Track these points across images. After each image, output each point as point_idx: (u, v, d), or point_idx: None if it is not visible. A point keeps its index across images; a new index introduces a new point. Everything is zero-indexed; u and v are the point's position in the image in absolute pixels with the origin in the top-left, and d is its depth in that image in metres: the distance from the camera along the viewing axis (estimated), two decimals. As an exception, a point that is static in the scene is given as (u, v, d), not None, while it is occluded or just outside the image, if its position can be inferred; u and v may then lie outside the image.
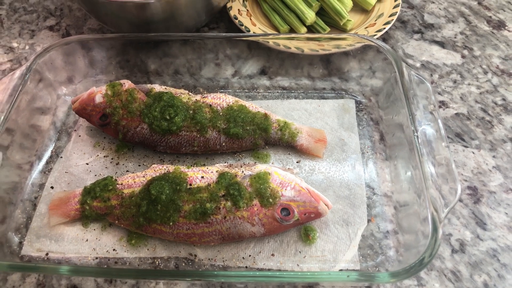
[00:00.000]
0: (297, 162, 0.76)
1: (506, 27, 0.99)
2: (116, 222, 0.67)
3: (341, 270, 0.63)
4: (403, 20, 1.02)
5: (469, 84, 0.88)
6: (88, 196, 0.67)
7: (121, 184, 0.68)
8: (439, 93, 0.87)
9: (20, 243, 0.67)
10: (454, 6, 1.05)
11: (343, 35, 0.84)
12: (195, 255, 0.65)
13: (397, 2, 0.96)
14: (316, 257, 0.65)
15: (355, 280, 0.56)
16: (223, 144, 0.75)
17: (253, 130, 0.75)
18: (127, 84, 0.77)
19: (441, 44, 0.96)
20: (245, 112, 0.75)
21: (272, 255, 0.65)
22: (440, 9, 1.04)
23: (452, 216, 0.70)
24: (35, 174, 0.75)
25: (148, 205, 0.64)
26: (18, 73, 0.75)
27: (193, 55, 0.88)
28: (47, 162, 0.77)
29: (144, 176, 0.68)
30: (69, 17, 1.07)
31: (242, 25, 0.93)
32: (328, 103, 0.84)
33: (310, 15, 0.92)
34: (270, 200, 0.63)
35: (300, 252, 0.65)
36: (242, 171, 0.67)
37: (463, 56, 0.94)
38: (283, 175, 0.66)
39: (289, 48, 0.85)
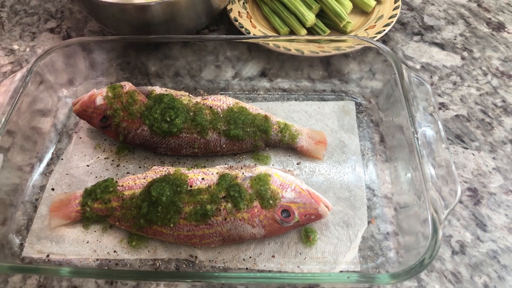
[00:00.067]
0: (297, 164, 0.76)
1: (506, 29, 0.99)
2: (117, 223, 0.67)
3: (341, 271, 0.64)
4: (403, 22, 1.02)
5: (469, 86, 0.88)
6: (89, 198, 0.67)
7: (122, 186, 0.68)
8: (439, 95, 0.87)
9: (21, 245, 0.67)
10: (453, 8, 1.05)
11: (343, 37, 0.85)
12: (196, 257, 0.65)
13: (396, 4, 0.96)
14: (316, 258, 0.65)
15: (356, 281, 0.56)
16: (224, 146, 0.75)
17: (254, 132, 0.75)
18: (127, 86, 0.77)
19: (441, 46, 0.96)
20: (245, 114, 0.76)
21: (273, 256, 0.65)
22: (439, 11, 1.05)
23: (452, 218, 0.70)
24: (36, 176, 0.75)
25: (149, 206, 0.64)
26: (19, 75, 0.76)
27: (194, 57, 0.88)
28: (48, 164, 0.77)
29: (144, 178, 0.68)
30: (69, 19, 1.07)
31: (242, 27, 0.94)
32: (328, 105, 0.84)
33: (310, 17, 0.92)
34: (271, 201, 0.63)
35: (300, 253, 0.65)
36: (243, 173, 0.67)
37: (462, 58, 0.94)
38: (283, 176, 0.66)
39: (289, 50, 0.85)
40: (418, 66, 0.93)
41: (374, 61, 0.82)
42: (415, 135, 0.67)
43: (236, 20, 0.95)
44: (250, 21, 0.96)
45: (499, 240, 0.68)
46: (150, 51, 0.89)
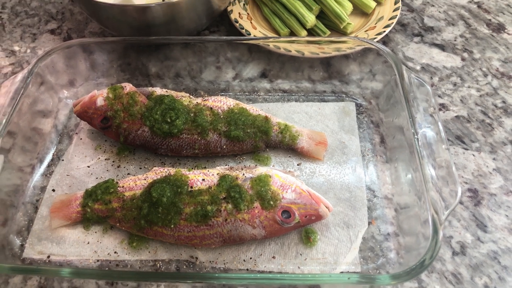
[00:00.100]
0: (297, 165, 0.76)
1: (506, 30, 0.99)
2: (118, 224, 0.67)
3: (342, 272, 0.64)
4: (403, 23, 1.03)
5: (469, 87, 0.88)
6: (90, 199, 0.68)
7: (123, 186, 0.68)
8: (439, 96, 0.87)
9: (22, 246, 0.67)
10: (453, 9, 1.06)
11: (344, 38, 0.85)
12: (196, 258, 0.65)
13: (397, 5, 0.96)
14: (317, 259, 0.65)
15: (356, 282, 0.56)
16: (224, 146, 0.75)
17: (254, 133, 0.75)
18: (128, 87, 0.77)
19: (441, 47, 0.97)
20: (245, 115, 0.76)
21: (273, 257, 0.65)
22: (440, 12, 1.05)
23: (453, 219, 0.70)
24: (36, 177, 0.75)
25: (149, 207, 0.64)
26: (20, 76, 0.76)
27: (194, 58, 0.88)
28: (49, 165, 0.77)
29: (145, 179, 0.68)
30: (70, 20, 1.07)
31: (243, 28, 0.94)
32: (328, 106, 0.84)
33: (310, 19, 0.93)
34: (271, 202, 0.63)
35: (301, 254, 0.65)
36: (243, 174, 0.67)
37: (463, 59, 0.94)
38: (283, 177, 0.66)
39: (290, 51, 0.85)
40: (418, 67, 0.93)
41: (374, 62, 0.82)
42: (416, 136, 0.67)
43: (237, 21, 0.95)
44: (251, 22, 0.96)
45: (499, 241, 0.68)
46: (151, 52, 0.90)
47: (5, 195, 0.70)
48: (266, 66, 0.90)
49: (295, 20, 0.94)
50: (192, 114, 0.75)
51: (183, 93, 0.80)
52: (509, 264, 0.65)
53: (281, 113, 0.83)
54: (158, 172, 0.69)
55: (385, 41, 0.98)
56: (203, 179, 0.67)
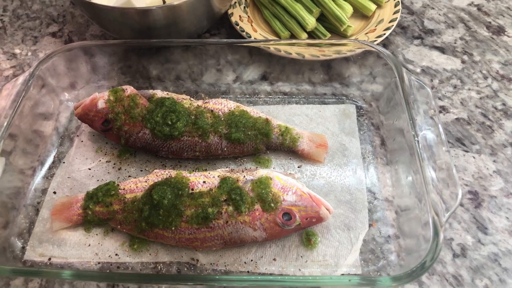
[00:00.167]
0: (298, 167, 0.76)
1: (506, 33, 1.00)
2: (119, 227, 0.67)
3: (342, 274, 0.64)
4: (403, 25, 1.03)
5: (469, 89, 0.89)
6: (91, 201, 0.68)
7: (123, 189, 0.68)
8: (439, 98, 0.87)
9: (23, 248, 0.67)
10: (453, 12, 1.06)
11: (344, 41, 0.85)
12: (197, 260, 0.66)
13: (397, 8, 0.96)
14: (317, 261, 0.65)
15: (357, 284, 0.56)
16: (225, 149, 0.75)
17: (255, 135, 0.75)
18: (129, 89, 0.77)
19: (441, 50, 0.97)
20: (246, 117, 0.76)
21: (274, 259, 0.65)
22: (439, 15, 1.05)
23: (453, 221, 0.70)
24: (37, 179, 0.76)
25: (150, 210, 0.64)
26: (21, 79, 0.76)
27: (195, 61, 0.89)
28: (50, 168, 0.77)
29: (146, 181, 0.68)
30: (71, 23, 1.08)
31: (243, 31, 0.94)
32: (329, 108, 0.84)
33: (311, 21, 0.93)
34: (272, 204, 0.63)
35: (301, 256, 0.65)
36: (244, 176, 0.68)
37: (463, 62, 0.94)
38: (284, 180, 0.67)
39: (290, 53, 0.86)
40: (418, 70, 0.93)
41: (374, 65, 0.83)
42: (416, 138, 0.67)
43: (237, 24, 0.96)
44: (251, 25, 0.96)
45: (500, 243, 0.68)
46: (152, 55, 0.90)
47: (6, 198, 0.70)
48: (266, 69, 0.90)
49: (296, 22, 0.95)
50: (193, 117, 0.75)
51: (184, 96, 0.80)
52: (510, 266, 0.65)
53: (281, 116, 0.83)
54: (159, 174, 0.69)
55: (385, 43, 0.98)
56: (204, 182, 0.67)
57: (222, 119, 0.76)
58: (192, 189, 0.66)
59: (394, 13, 0.95)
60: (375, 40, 0.90)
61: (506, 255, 0.66)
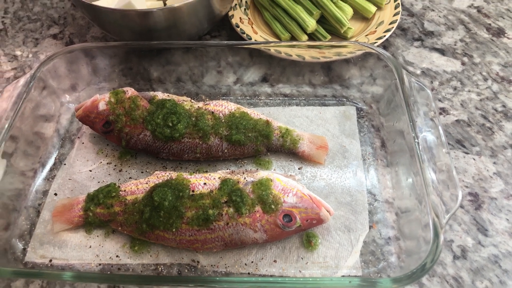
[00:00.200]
0: (298, 169, 0.76)
1: (506, 35, 1.00)
2: (119, 228, 0.67)
3: (343, 276, 0.64)
4: (403, 27, 1.03)
5: (469, 91, 0.89)
6: (92, 203, 0.68)
7: (124, 190, 0.68)
8: (439, 100, 0.87)
9: (24, 250, 0.67)
10: (453, 13, 1.06)
11: (344, 43, 0.85)
12: (198, 262, 0.66)
13: (397, 10, 0.97)
14: (318, 263, 0.65)
15: (357, 286, 0.56)
16: (225, 150, 0.75)
17: (255, 137, 0.76)
18: (130, 91, 0.78)
19: (441, 51, 0.97)
20: (247, 119, 0.76)
21: (274, 261, 0.65)
22: (440, 16, 1.05)
23: (454, 223, 0.70)
24: (38, 181, 0.76)
25: (151, 211, 0.64)
26: (22, 81, 0.76)
27: (195, 63, 0.89)
28: (51, 169, 0.77)
29: (147, 183, 0.69)
30: (72, 25, 1.08)
31: (244, 33, 0.94)
32: (329, 110, 0.85)
33: (311, 23, 0.93)
34: (272, 206, 0.64)
35: (302, 258, 0.66)
36: (244, 178, 0.68)
37: (463, 63, 0.94)
38: (285, 181, 0.67)
39: (290, 55, 0.86)
40: (418, 72, 0.93)
41: (374, 67, 0.83)
42: (416, 140, 0.67)
43: (238, 26, 0.96)
44: (252, 27, 0.97)
45: (500, 244, 0.68)
46: (152, 56, 0.90)
47: (8, 199, 0.70)
48: (267, 71, 0.90)
49: (296, 24, 0.95)
50: (193, 118, 0.75)
51: (184, 98, 0.80)
52: (510, 268, 0.65)
53: (282, 117, 0.83)
54: (159, 176, 0.69)
55: (385, 45, 0.98)
56: (205, 183, 0.67)
57: (223, 120, 0.76)
58: (193, 191, 0.66)
59: (394, 15, 0.96)
60: (375, 42, 0.90)
61: (507, 257, 0.66)
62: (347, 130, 0.81)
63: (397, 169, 0.74)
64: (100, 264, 0.66)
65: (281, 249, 0.67)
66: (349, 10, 0.95)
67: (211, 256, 0.66)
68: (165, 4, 0.93)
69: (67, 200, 0.71)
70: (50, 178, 0.76)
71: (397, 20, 0.94)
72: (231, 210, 0.63)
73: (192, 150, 0.75)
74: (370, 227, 0.68)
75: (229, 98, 0.88)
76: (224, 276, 0.64)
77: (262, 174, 0.68)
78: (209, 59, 0.89)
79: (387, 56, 0.78)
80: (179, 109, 0.75)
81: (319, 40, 0.95)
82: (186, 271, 0.65)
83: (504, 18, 1.04)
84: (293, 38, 0.96)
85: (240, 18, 0.99)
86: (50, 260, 0.66)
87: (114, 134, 0.76)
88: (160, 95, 0.79)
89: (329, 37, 0.95)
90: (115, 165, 0.78)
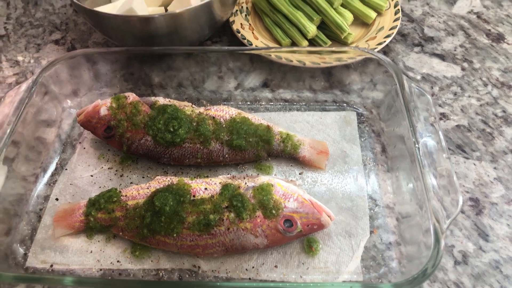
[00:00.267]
0: (299, 174, 0.76)
1: (505, 40, 1.00)
2: (120, 233, 0.67)
3: (344, 281, 0.64)
4: (403, 33, 1.04)
5: (469, 96, 0.89)
6: (93, 208, 0.68)
7: (126, 195, 0.69)
8: (439, 105, 0.87)
9: (25, 255, 0.67)
10: (453, 19, 1.07)
11: (344, 48, 0.86)
12: (199, 267, 0.66)
13: (397, 16, 0.97)
14: (319, 268, 0.65)
15: (358, 291, 0.56)
16: (226, 156, 0.75)
17: (256, 142, 0.76)
18: (131, 97, 0.78)
19: (441, 57, 0.97)
20: (247, 124, 0.76)
21: (275, 266, 0.65)
22: (439, 22, 1.06)
23: (455, 228, 0.70)
24: (40, 186, 0.76)
25: (152, 216, 0.64)
26: (24, 86, 0.77)
27: (197, 68, 0.89)
28: (52, 174, 0.78)
29: (148, 188, 0.69)
30: (74, 31, 1.08)
31: (245, 38, 0.95)
32: (330, 115, 0.85)
33: (312, 29, 0.94)
34: (273, 211, 0.64)
35: (303, 263, 0.66)
36: (245, 183, 0.68)
37: (463, 69, 0.95)
38: (286, 186, 0.67)
39: (291, 61, 0.86)
40: (418, 77, 0.93)
41: (375, 72, 0.83)
42: (416, 145, 0.67)
43: (239, 32, 0.96)
44: (252, 33, 0.97)
45: (501, 250, 0.68)
46: (154, 62, 0.90)
47: (9, 204, 0.70)
48: (267, 76, 0.91)
49: (296, 30, 0.95)
50: (194, 124, 0.75)
51: (185, 103, 0.80)
52: (511, 273, 0.65)
53: (282, 123, 0.84)
54: (161, 181, 0.70)
55: (385, 51, 0.99)
56: (206, 188, 0.67)
57: (224, 126, 0.76)
58: (194, 196, 0.66)
59: (394, 20, 0.96)
60: (376, 48, 0.90)
61: (508, 262, 0.66)
62: (348, 135, 0.81)
63: (397, 174, 0.74)
64: (101, 269, 0.66)
65: (282, 254, 0.67)
66: (349, 16, 0.95)
67: (212, 261, 0.66)
68: (166, 10, 0.94)
69: (68, 205, 0.71)
70: (51, 183, 0.76)
71: (397, 25, 0.95)
72: (232, 215, 0.63)
73: (193, 155, 0.75)
74: (371, 232, 0.69)
75: (230, 103, 0.88)
76: (225, 282, 0.64)
77: (263, 179, 0.68)
78: (210, 64, 0.89)
79: (387, 61, 0.79)
80: (180, 114, 0.75)
81: (320, 45, 0.96)
82: (187, 276, 0.65)
83: (503, 24, 1.04)
84: (293, 43, 0.97)
85: (241, 24, 0.99)
86: (51, 265, 0.66)
87: (115, 139, 0.76)
88: (161, 100, 0.79)
89: (329, 42, 0.96)
90: (116, 170, 0.78)
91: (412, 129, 0.69)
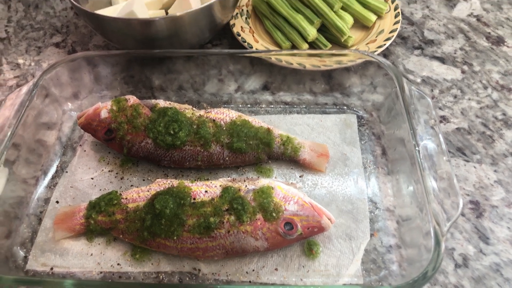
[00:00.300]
0: (300, 177, 0.76)
1: (505, 43, 1.00)
2: (121, 236, 0.67)
3: (344, 284, 0.64)
4: (404, 36, 1.04)
5: (469, 99, 0.89)
6: (93, 211, 0.68)
7: (126, 198, 0.69)
8: (439, 108, 0.88)
9: (25, 258, 0.67)
10: (453, 22, 1.07)
11: (344, 51, 0.86)
12: (199, 270, 0.66)
13: (397, 19, 0.97)
14: (319, 271, 0.65)
15: (359, 294, 0.56)
16: (227, 158, 0.75)
17: (256, 144, 0.76)
18: (132, 99, 0.78)
19: (441, 60, 0.98)
20: (248, 127, 0.76)
21: (276, 269, 0.65)
22: (439, 25, 1.06)
23: (455, 231, 0.70)
24: (40, 188, 0.76)
25: (153, 219, 0.64)
26: (25, 89, 0.77)
27: (197, 71, 0.89)
28: (53, 177, 0.78)
29: (148, 191, 0.69)
30: (75, 34, 1.09)
31: (245, 41, 0.95)
32: (330, 118, 0.85)
33: (312, 32, 0.94)
34: (274, 214, 0.64)
35: (303, 266, 0.65)
36: (246, 186, 0.68)
37: (463, 72, 0.95)
38: (286, 189, 0.67)
39: (291, 64, 0.86)
40: (418, 80, 0.93)
41: (375, 75, 0.83)
42: (417, 148, 0.67)
43: (239, 35, 0.96)
44: (253, 36, 0.97)
45: (501, 253, 0.68)
46: (154, 65, 0.91)
47: (9, 207, 0.70)
48: (268, 79, 0.91)
49: (297, 33, 0.96)
50: (195, 126, 0.75)
51: (186, 105, 0.81)
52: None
53: (283, 125, 0.84)
54: (161, 184, 0.70)
55: (385, 54, 0.99)
56: (206, 191, 0.67)
57: (224, 128, 0.76)
58: (194, 199, 0.66)
59: (394, 23, 0.96)
60: (376, 51, 0.90)
61: (508, 265, 0.66)
62: (348, 138, 0.81)
63: (398, 177, 0.74)
64: (101, 272, 0.66)
65: (283, 257, 0.66)
66: (350, 19, 0.95)
67: (212, 264, 0.66)
68: (167, 13, 0.94)
69: (68, 208, 0.71)
70: (52, 185, 0.76)
71: (397, 28, 0.95)
72: (232, 218, 0.63)
73: (194, 158, 0.75)
74: (371, 235, 0.68)
75: (230, 106, 0.88)
76: (225, 284, 0.64)
77: (263, 182, 0.68)
78: (211, 67, 0.89)
79: (387, 64, 0.79)
80: (180, 117, 0.75)
81: (320, 48, 0.96)
82: (187, 279, 0.65)
83: (503, 27, 1.05)
84: (294, 46, 0.97)
85: (241, 27, 0.99)
86: (51, 268, 0.66)
87: (116, 142, 0.76)
88: (161, 103, 0.80)
89: (329, 45, 0.96)
90: (116, 173, 0.78)
91: (412, 131, 0.69)
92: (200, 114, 0.78)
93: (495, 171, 0.77)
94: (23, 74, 0.98)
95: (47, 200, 0.74)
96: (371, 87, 0.85)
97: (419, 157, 0.66)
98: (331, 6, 0.94)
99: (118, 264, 0.66)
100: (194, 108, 0.80)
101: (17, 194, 0.72)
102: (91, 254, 0.67)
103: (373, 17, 0.97)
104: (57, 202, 0.74)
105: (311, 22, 0.95)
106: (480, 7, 1.10)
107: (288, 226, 0.63)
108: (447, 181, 0.64)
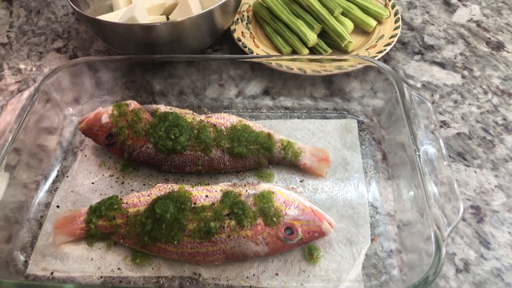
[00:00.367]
0: (300, 181, 0.76)
1: (505, 48, 1.01)
2: (121, 241, 0.67)
3: (345, 289, 0.63)
4: (404, 41, 1.04)
5: (469, 104, 0.89)
6: (94, 215, 0.68)
7: (126, 203, 0.69)
8: (440, 113, 0.88)
9: (26, 262, 0.67)
10: (453, 28, 1.07)
11: (345, 57, 0.86)
12: (200, 274, 0.65)
13: (397, 24, 0.98)
14: (320, 276, 0.65)
15: (360, 299, 0.56)
16: (227, 163, 0.76)
17: (257, 149, 0.76)
18: (133, 104, 0.78)
19: (441, 65, 0.98)
20: (248, 132, 0.76)
21: (276, 274, 0.65)
22: (439, 30, 1.06)
23: (456, 236, 0.70)
24: (41, 193, 0.76)
25: (153, 224, 0.64)
26: (26, 94, 0.77)
27: (198, 76, 0.90)
28: (53, 182, 0.78)
29: (149, 195, 0.69)
30: (76, 39, 1.09)
31: (246, 47, 0.95)
32: (330, 123, 0.85)
33: (312, 37, 0.94)
34: (274, 219, 0.64)
35: (304, 271, 0.65)
36: (246, 190, 0.68)
37: (463, 77, 0.95)
38: (286, 194, 0.67)
39: (292, 69, 0.86)
40: (419, 85, 0.94)
41: (375, 80, 0.83)
42: (417, 153, 0.67)
43: (240, 40, 0.97)
44: (253, 41, 0.98)
45: (503, 258, 0.67)
46: (155, 70, 0.91)
47: (10, 212, 0.70)
48: (268, 84, 0.91)
49: (297, 38, 0.96)
50: (195, 131, 0.76)
51: (186, 110, 0.81)
52: (513, 281, 0.65)
53: (283, 130, 0.84)
54: (161, 188, 0.70)
55: (386, 59, 0.99)
56: (207, 196, 0.67)
57: (225, 133, 0.76)
58: (195, 203, 0.66)
59: (395, 29, 0.97)
60: (376, 56, 0.91)
61: (509, 270, 0.66)
62: (349, 143, 0.81)
63: (398, 182, 0.74)
64: (101, 277, 0.66)
65: (283, 262, 0.66)
66: (350, 24, 0.96)
67: (212, 269, 0.66)
68: (168, 19, 0.95)
69: (69, 212, 0.71)
70: (52, 190, 0.76)
71: (397, 34, 0.95)
72: (233, 222, 0.63)
73: (194, 162, 0.75)
74: (372, 240, 0.68)
75: (231, 111, 0.88)
76: (225, 289, 0.64)
77: (263, 186, 0.68)
78: (211, 72, 0.89)
79: (387, 69, 0.79)
80: (181, 122, 0.75)
81: (320, 54, 0.96)
82: (187, 284, 0.65)
83: (503, 32, 1.05)
84: (294, 52, 0.97)
85: (242, 32, 1.00)
86: (52, 273, 0.66)
87: (116, 146, 0.76)
88: (162, 108, 0.80)
89: (330, 51, 0.96)
90: (117, 178, 0.78)
91: (413, 136, 0.69)
92: (200, 119, 0.78)
93: (495, 176, 0.77)
94: (25, 79, 0.99)
95: (47, 205, 0.74)
96: (371, 92, 0.85)
97: (419, 162, 0.66)
98: (331, 12, 0.94)
99: (118, 268, 0.66)
100: (194, 113, 0.81)
101: (17, 199, 0.72)
102: (92, 259, 0.67)
103: (373, 23, 0.97)
104: (58, 206, 0.74)
105: (311, 27, 0.95)
106: (480, 13, 1.11)
107: (289, 231, 0.63)
108: (447, 186, 0.64)
